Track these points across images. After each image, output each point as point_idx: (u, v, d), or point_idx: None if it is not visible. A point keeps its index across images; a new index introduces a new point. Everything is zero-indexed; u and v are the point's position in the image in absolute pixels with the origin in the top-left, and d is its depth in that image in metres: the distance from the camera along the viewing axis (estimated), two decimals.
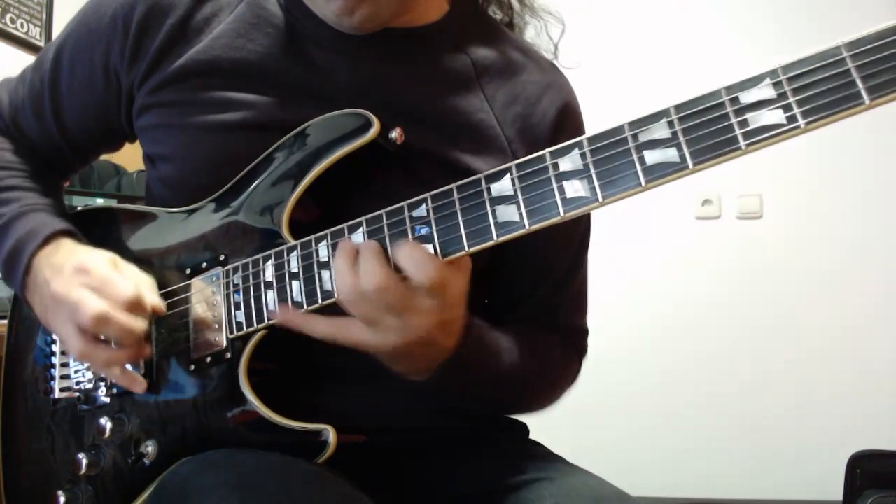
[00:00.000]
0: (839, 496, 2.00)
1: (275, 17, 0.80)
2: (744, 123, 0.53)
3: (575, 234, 0.87)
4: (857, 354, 2.65)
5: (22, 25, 2.31)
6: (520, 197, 0.60)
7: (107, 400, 0.80)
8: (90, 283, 0.72)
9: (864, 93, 0.49)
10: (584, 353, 0.91)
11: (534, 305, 0.86)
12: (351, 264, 0.64)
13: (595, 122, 0.89)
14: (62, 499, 0.80)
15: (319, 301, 0.68)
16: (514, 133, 0.81)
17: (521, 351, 0.79)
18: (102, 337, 0.73)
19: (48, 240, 0.79)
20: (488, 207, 0.61)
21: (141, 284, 0.75)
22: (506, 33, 0.90)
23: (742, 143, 0.52)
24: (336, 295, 0.65)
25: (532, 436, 0.90)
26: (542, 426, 0.94)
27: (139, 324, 0.72)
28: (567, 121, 0.85)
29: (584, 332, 0.91)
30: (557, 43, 0.95)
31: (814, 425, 2.64)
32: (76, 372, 0.83)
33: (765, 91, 0.52)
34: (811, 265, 2.71)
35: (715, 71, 2.51)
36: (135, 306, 0.72)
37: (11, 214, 0.81)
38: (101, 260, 0.75)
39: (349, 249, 0.64)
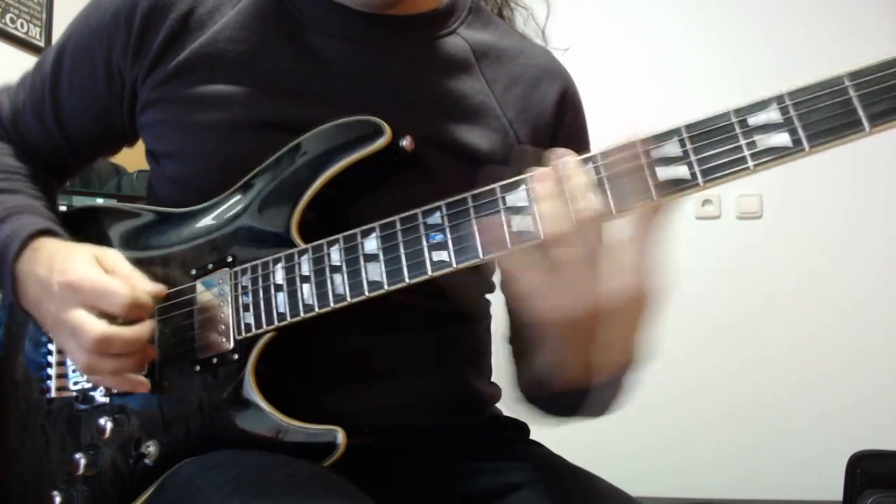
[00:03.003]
0: (839, 496, 2.00)
1: (276, 8, 0.81)
2: (752, 145, 0.55)
3: None
4: (858, 354, 2.65)
5: (22, 25, 2.32)
6: (534, 208, 0.61)
7: (105, 399, 0.79)
8: (84, 301, 0.70)
9: (864, 120, 0.52)
10: None
11: None
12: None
13: (592, 121, 0.90)
14: (57, 499, 0.79)
15: (331, 305, 0.68)
16: (515, 114, 0.83)
17: None
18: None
19: (25, 244, 0.76)
20: (503, 217, 0.62)
21: (132, 278, 0.73)
22: (501, 21, 0.92)
23: (750, 163, 0.55)
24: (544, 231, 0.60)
25: (532, 436, 0.90)
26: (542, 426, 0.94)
27: (144, 329, 0.70)
28: (568, 103, 0.87)
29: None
30: (544, 28, 0.97)
31: (814, 425, 2.64)
32: (73, 371, 0.82)
33: (772, 115, 0.55)
34: (811, 265, 2.71)
35: (716, 77, 2.51)
36: (135, 308, 0.70)
37: None
38: (84, 267, 0.72)
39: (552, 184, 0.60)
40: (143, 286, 0.72)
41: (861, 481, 1.93)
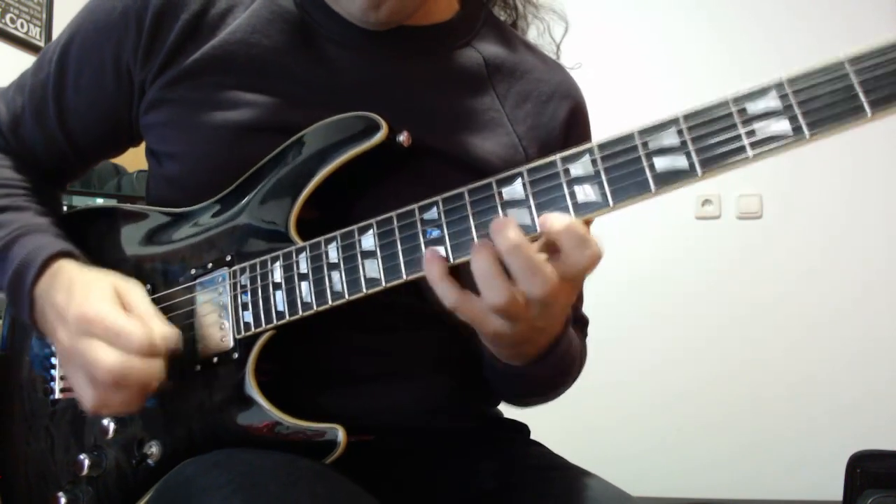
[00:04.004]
0: (839, 496, 2.00)
1: (289, 14, 0.80)
2: (751, 133, 0.54)
3: None
4: (858, 354, 2.65)
5: (22, 25, 2.32)
6: (531, 201, 0.60)
7: None
8: (99, 335, 0.67)
9: (866, 106, 0.51)
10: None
11: None
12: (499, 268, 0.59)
13: (595, 122, 0.90)
14: (63, 500, 0.79)
15: (329, 302, 0.68)
16: (525, 130, 0.82)
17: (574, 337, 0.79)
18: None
19: (44, 268, 0.75)
20: (500, 211, 0.61)
21: (147, 317, 0.70)
22: (514, 33, 0.91)
23: (750, 152, 0.54)
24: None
25: (532, 436, 0.90)
26: (542, 427, 0.94)
27: (157, 368, 0.68)
28: (577, 121, 0.86)
29: (586, 321, 0.93)
30: (560, 43, 0.96)
31: (814, 425, 2.64)
32: None
33: (771, 102, 0.54)
34: (811, 265, 2.72)
35: (717, 74, 2.51)
36: (150, 349, 0.67)
37: (6, 241, 0.78)
38: (102, 301, 0.70)
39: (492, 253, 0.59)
40: (159, 330, 0.69)
41: (861, 481, 1.93)
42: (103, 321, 0.68)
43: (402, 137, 0.73)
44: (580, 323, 0.91)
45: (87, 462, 0.78)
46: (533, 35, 0.97)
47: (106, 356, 0.66)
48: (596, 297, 0.93)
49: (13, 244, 0.77)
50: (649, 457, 2.71)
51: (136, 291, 0.73)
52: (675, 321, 2.78)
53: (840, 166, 2.69)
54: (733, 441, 2.69)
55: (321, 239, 0.70)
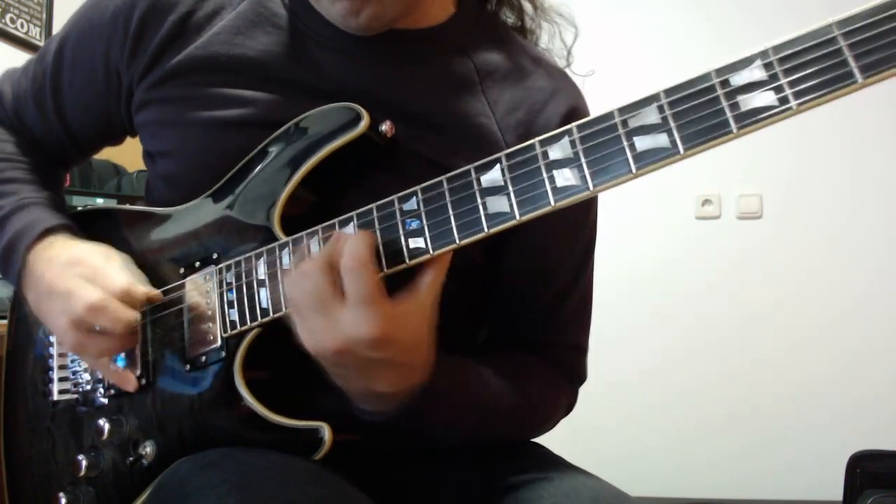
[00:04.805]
0: (839, 496, 2.00)
1: (277, 16, 0.80)
2: (735, 107, 0.52)
3: (580, 239, 0.86)
4: (858, 354, 2.65)
5: (22, 25, 2.31)
6: (510, 187, 0.60)
7: (105, 401, 0.80)
8: (83, 273, 0.74)
9: (856, 71, 0.48)
10: (583, 377, 0.89)
11: (535, 317, 0.85)
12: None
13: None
14: (63, 500, 0.80)
15: None
16: (516, 139, 0.80)
17: (508, 390, 0.77)
18: (97, 328, 0.73)
19: (43, 235, 0.79)
20: (479, 199, 0.61)
21: (134, 275, 0.77)
22: (515, 38, 0.89)
23: (733, 126, 0.52)
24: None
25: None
26: None
27: (131, 313, 0.73)
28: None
29: (583, 352, 0.89)
30: (570, 48, 0.95)
31: (814, 425, 2.64)
32: (74, 373, 0.83)
33: (756, 73, 0.52)
34: (811, 265, 2.71)
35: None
36: (127, 296, 0.74)
37: (9, 208, 0.82)
38: (94, 252, 0.77)
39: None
40: (141, 285, 0.76)
41: (861, 481, 1.93)
42: (91, 262, 0.76)
43: (385, 127, 0.72)
44: (577, 351, 0.88)
45: (84, 463, 0.78)
46: (544, 39, 0.94)
47: (85, 289, 0.73)
48: (596, 297, 0.91)
49: (18, 211, 0.81)
50: (649, 457, 2.71)
51: (126, 257, 0.80)
52: (675, 321, 2.78)
53: (840, 166, 2.69)
54: (733, 441, 2.69)
55: (303, 234, 0.69)
